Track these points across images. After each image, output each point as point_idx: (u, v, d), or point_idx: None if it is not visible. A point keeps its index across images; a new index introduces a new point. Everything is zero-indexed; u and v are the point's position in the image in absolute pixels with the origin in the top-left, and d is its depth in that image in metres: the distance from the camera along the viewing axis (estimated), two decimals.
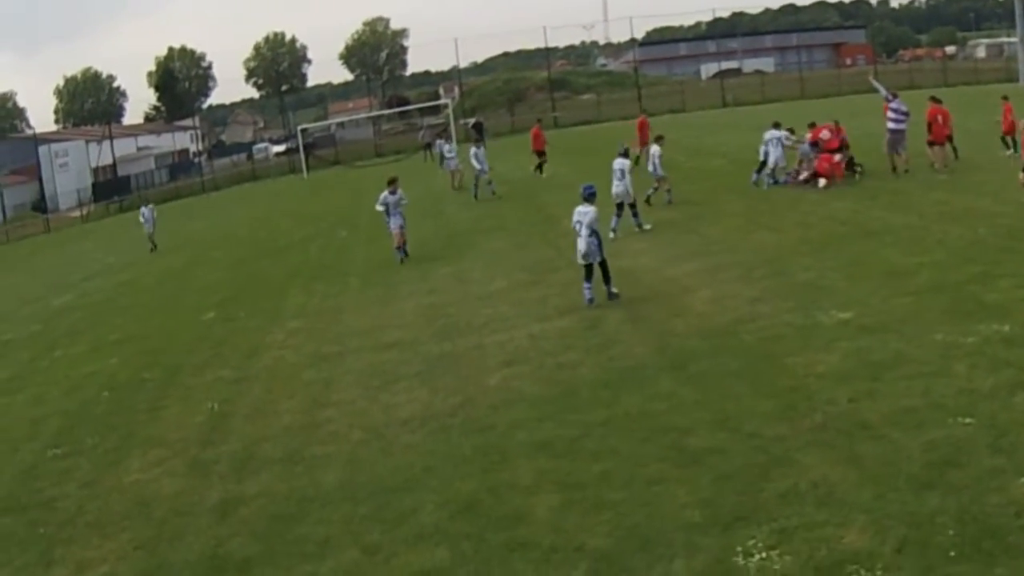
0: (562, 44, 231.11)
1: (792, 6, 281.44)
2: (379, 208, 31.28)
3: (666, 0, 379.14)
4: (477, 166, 42.64)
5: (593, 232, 21.22)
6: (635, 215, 30.07)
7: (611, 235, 27.79)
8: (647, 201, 33.66)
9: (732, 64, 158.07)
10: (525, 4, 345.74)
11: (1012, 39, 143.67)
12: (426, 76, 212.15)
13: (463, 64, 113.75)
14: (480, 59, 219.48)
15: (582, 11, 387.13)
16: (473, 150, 48.29)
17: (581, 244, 21.38)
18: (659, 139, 35.73)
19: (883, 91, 34.88)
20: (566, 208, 33.91)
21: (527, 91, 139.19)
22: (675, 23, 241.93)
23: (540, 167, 48.62)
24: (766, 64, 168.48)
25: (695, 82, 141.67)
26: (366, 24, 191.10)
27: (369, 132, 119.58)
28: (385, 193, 31.04)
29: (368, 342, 21.81)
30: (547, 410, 15.65)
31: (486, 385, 17.36)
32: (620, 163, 29.64)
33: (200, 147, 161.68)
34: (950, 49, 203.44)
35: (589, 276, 21.51)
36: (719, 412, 14.43)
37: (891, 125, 33.66)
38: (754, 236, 27.63)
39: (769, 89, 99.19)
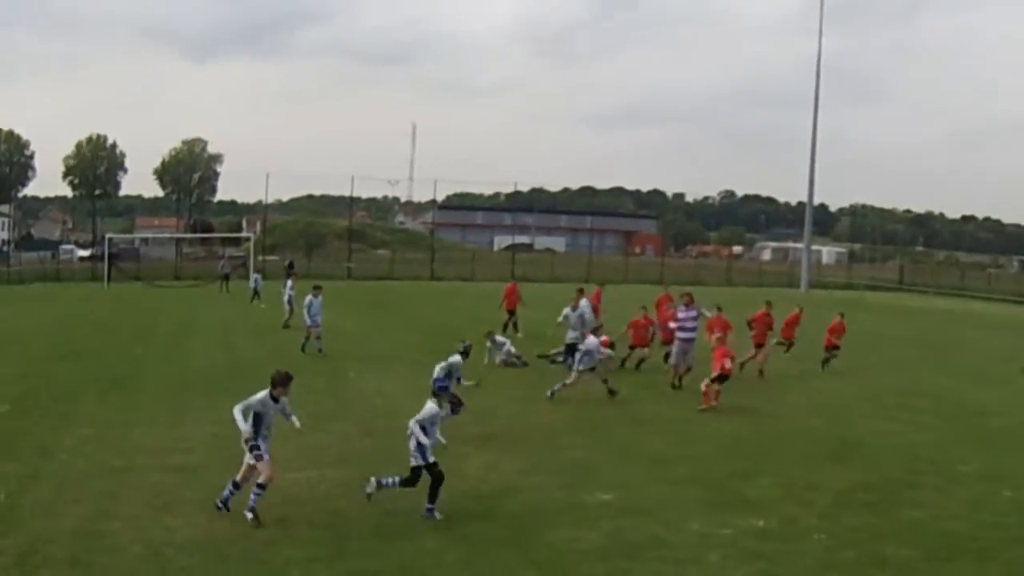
0: (365, 195, 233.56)
1: (590, 188, 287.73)
2: (239, 414, 18.95)
3: (470, 168, 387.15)
4: (308, 321, 41.05)
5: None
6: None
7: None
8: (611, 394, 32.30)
9: (525, 239, 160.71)
10: (337, 150, 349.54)
11: (798, 244, 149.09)
12: (232, 205, 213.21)
13: (269, 200, 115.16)
14: (285, 197, 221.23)
15: (390, 167, 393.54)
16: (288, 282, 50.89)
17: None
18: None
19: (707, 313, 35.60)
20: (349, 360, 35.56)
21: (326, 237, 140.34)
22: (476, 190, 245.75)
23: (515, 325, 48.89)
24: (558, 243, 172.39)
25: (487, 252, 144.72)
26: (185, 143, 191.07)
27: (172, 252, 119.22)
28: (264, 395, 19.15)
29: (155, 461, 22.36)
30: (319, 552, 16.53)
31: (264, 519, 18.02)
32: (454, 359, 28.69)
33: (10, 236, 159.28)
34: (737, 248, 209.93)
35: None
36: None
37: (681, 335, 34.47)
38: (529, 411, 29.30)
39: (558, 268, 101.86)
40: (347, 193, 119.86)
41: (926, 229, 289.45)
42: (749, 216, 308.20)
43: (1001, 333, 65.91)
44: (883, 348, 42.46)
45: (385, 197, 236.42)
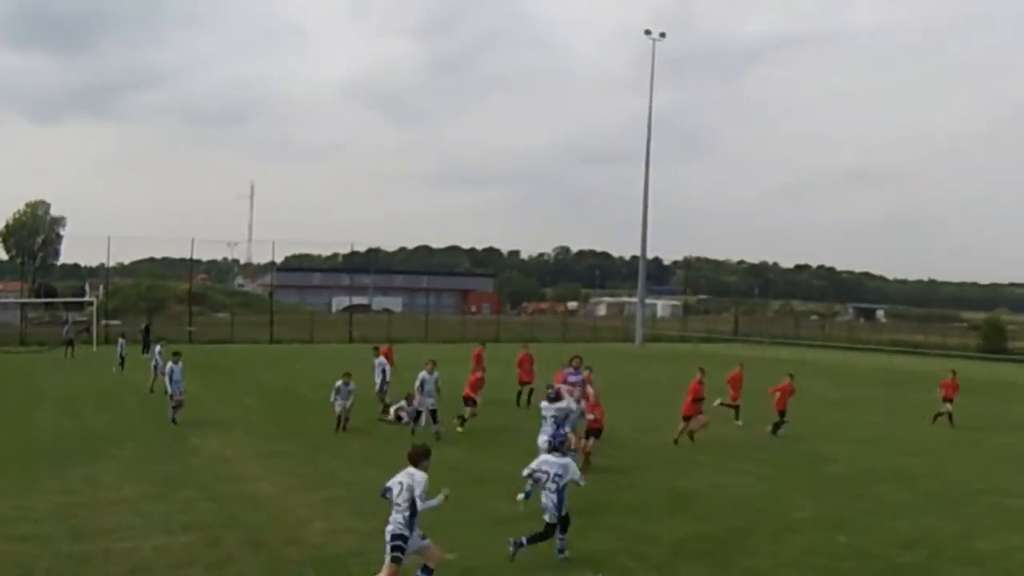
0: (205, 257, 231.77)
1: (427, 248, 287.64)
2: (428, 502, 17.50)
3: (309, 228, 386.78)
4: (170, 390, 39.20)
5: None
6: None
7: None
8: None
9: (363, 300, 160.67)
10: (177, 212, 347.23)
11: (632, 299, 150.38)
12: (76, 269, 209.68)
13: (111, 263, 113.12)
14: (127, 260, 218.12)
15: (229, 228, 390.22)
16: (157, 347, 50.42)
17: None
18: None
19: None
20: (192, 425, 35.59)
21: (167, 300, 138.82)
22: (314, 251, 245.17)
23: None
24: (395, 303, 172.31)
25: (326, 314, 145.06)
26: (29, 205, 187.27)
27: (17, 317, 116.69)
28: (424, 477, 17.55)
29: (3, 530, 21.85)
30: None
31: None
32: (549, 408, 28.10)
33: None
34: (572, 304, 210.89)
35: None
36: None
37: None
38: (369, 473, 28.73)
39: (395, 329, 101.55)
40: (187, 256, 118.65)
41: (760, 279, 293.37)
42: (584, 272, 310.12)
43: (834, 380, 67.60)
44: (718, 399, 42.81)
45: (225, 259, 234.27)
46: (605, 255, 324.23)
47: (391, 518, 17.17)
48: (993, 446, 40.72)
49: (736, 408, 43.22)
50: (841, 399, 44.14)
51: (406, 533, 17.03)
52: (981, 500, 29.11)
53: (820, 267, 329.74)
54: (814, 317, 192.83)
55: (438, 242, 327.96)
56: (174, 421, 38.62)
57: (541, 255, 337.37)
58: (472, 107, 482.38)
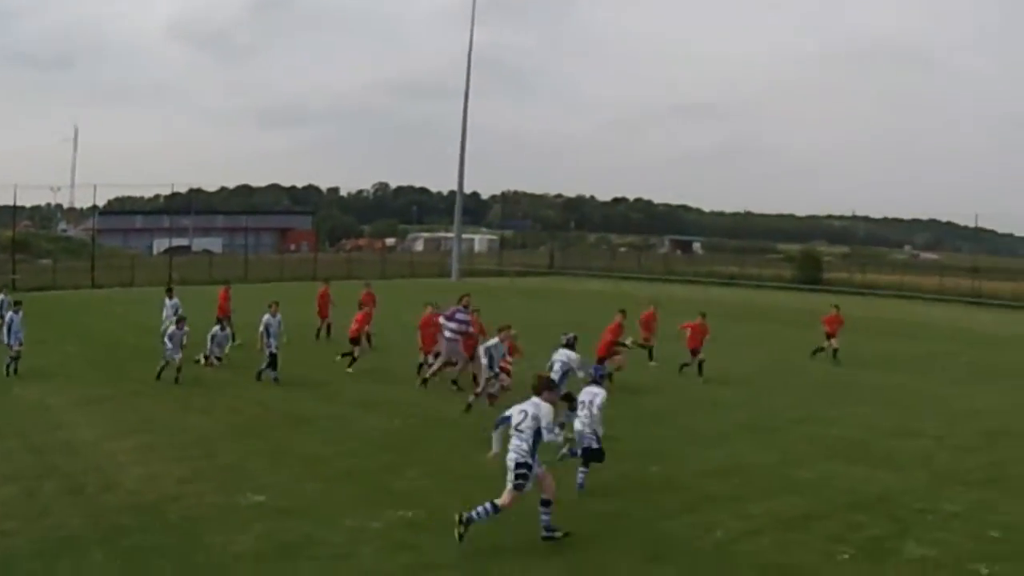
0: (29, 204, 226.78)
1: (247, 187, 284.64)
2: (556, 432, 18.69)
3: (134, 172, 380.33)
4: (9, 339, 38.38)
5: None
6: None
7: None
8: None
9: (183, 241, 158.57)
10: (1, 158, 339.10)
11: (450, 234, 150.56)
12: None
13: None
14: None
15: (54, 174, 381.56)
16: (1, 296, 47.68)
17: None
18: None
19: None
20: (13, 374, 35.13)
21: None
22: (137, 194, 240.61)
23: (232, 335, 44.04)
24: (215, 244, 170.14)
25: (147, 257, 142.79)
26: None
27: None
28: (549, 410, 17.99)
29: None
30: None
31: None
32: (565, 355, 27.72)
33: None
34: (390, 241, 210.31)
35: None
36: None
37: (448, 334, 34.49)
38: (187, 418, 29.64)
39: (216, 270, 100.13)
40: (10, 203, 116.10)
41: (577, 213, 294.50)
42: (403, 208, 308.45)
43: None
44: (535, 333, 40.60)
45: (48, 205, 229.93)
46: (424, 191, 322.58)
47: (512, 445, 17.78)
48: (811, 376, 42.17)
49: (650, 348, 43.05)
50: (657, 330, 44.31)
51: (529, 461, 17.65)
52: (798, 429, 30.23)
53: (637, 200, 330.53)
54: (623, 249, 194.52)
55: (260, 181, 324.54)
56: (8, 372, 37.76)
57: (360, 192, 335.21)
58: (296, 45, 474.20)
